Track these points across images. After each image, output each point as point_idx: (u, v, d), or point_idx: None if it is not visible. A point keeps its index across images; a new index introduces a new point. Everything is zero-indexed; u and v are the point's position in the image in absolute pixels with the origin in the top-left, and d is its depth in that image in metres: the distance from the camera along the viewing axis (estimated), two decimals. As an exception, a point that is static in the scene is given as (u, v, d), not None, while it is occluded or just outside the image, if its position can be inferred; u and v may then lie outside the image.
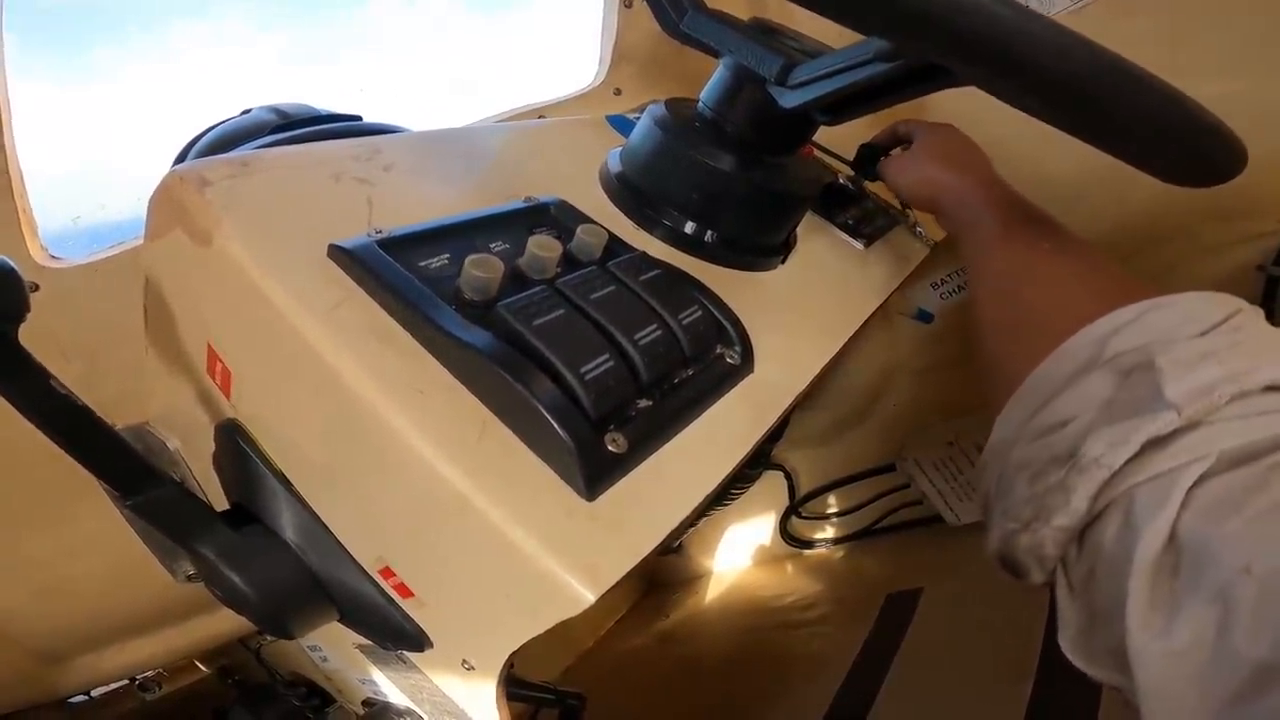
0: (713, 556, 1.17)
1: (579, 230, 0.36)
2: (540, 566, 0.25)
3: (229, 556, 0.34)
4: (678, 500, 0.29)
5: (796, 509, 1.04)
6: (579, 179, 0.46)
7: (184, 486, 0.34)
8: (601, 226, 0.37)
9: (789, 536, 1.06)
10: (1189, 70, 0.67)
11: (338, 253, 0.30)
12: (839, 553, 1.04)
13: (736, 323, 0.37)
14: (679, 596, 1.22)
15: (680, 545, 1.10)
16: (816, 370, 0.42)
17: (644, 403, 0.31)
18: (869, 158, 0.68)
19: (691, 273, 0.43)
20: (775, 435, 0.87)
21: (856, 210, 0.67)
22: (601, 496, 0.27)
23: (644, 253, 0.37)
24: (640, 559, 0.26)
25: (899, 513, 0.99)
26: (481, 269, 0.30)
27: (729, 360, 0.36)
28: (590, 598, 0.25)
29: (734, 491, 0.96)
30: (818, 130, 0.48)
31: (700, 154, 0.43)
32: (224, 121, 0.47)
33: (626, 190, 0.45)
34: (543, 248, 0.33)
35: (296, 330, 0.28)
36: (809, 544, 1.06)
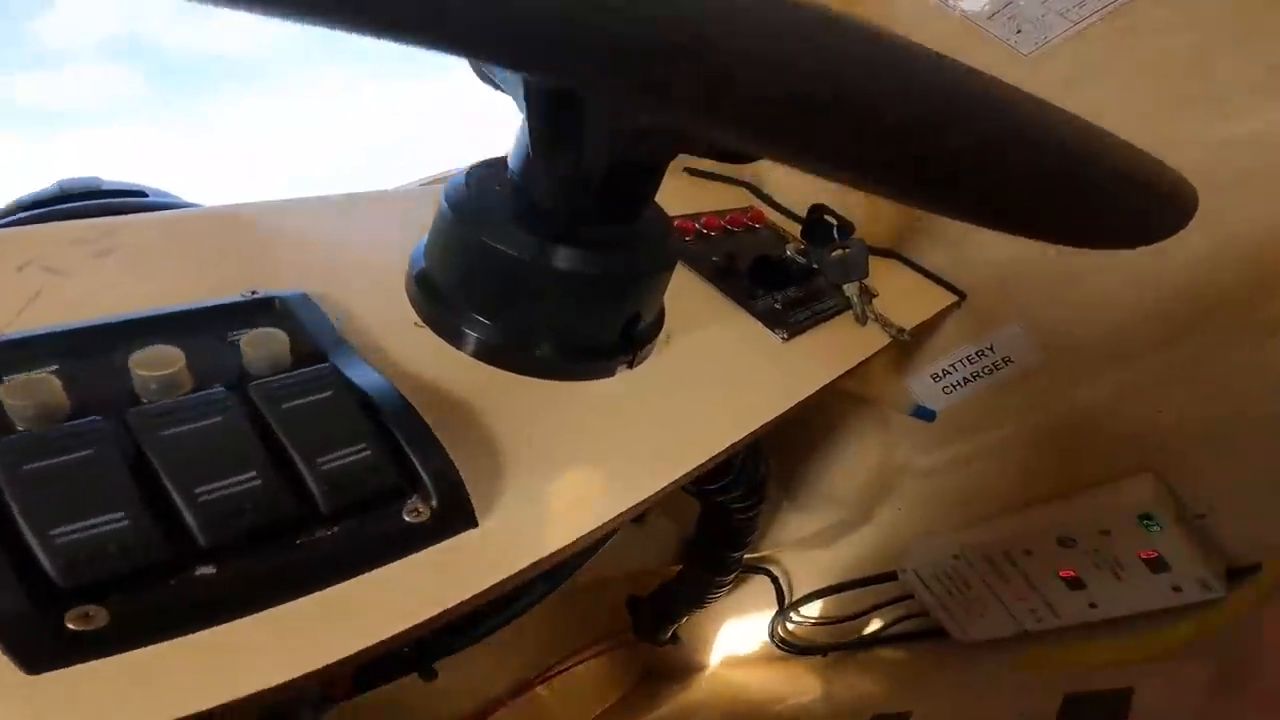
0: (708, 651, 1.06)
1: (242, 340, 0.28)
2: None
3: None
4: (186, 693, 0.21)
5: (786, 613, 0.91)
6: (380, 271, 0.39)
7: None
8: (283, 332, 0.29)
9: (779, 640, 0.93)
10: (1224, 99, 0.53)
11: None
12: (832, 660, 0.90)
13: (441, 469, 0.28)
14: (672, 688, 1.13)
15: (676, 635, 0.99)
16: (608, 518, 0.33)
17: (205, 570, 0.23)
18: (819, 223, 0.57)
19: (489, 388, 0.35)
20: (731, 540, 0.75)
21: (797, 290, 0.56)
22: (54, 674, 0.20)
23: (330, 367, 0.29)
24: None
25: (903, 623, 0.83)
26: (22, 396, 0.23)
27: (408, 518, 0.27)
28: None
29: (709, 596, 0.84)
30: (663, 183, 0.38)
31: (491, 236, 0.34)
32: (25, 196, 0.45)
33: (425, 292, 0.37)
34: (147, 364, 0.26)
35: None
36: (801, 649, 0.92)
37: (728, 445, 0.40)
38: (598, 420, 0.37)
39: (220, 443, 0.24)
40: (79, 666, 0.20)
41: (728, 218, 0.60)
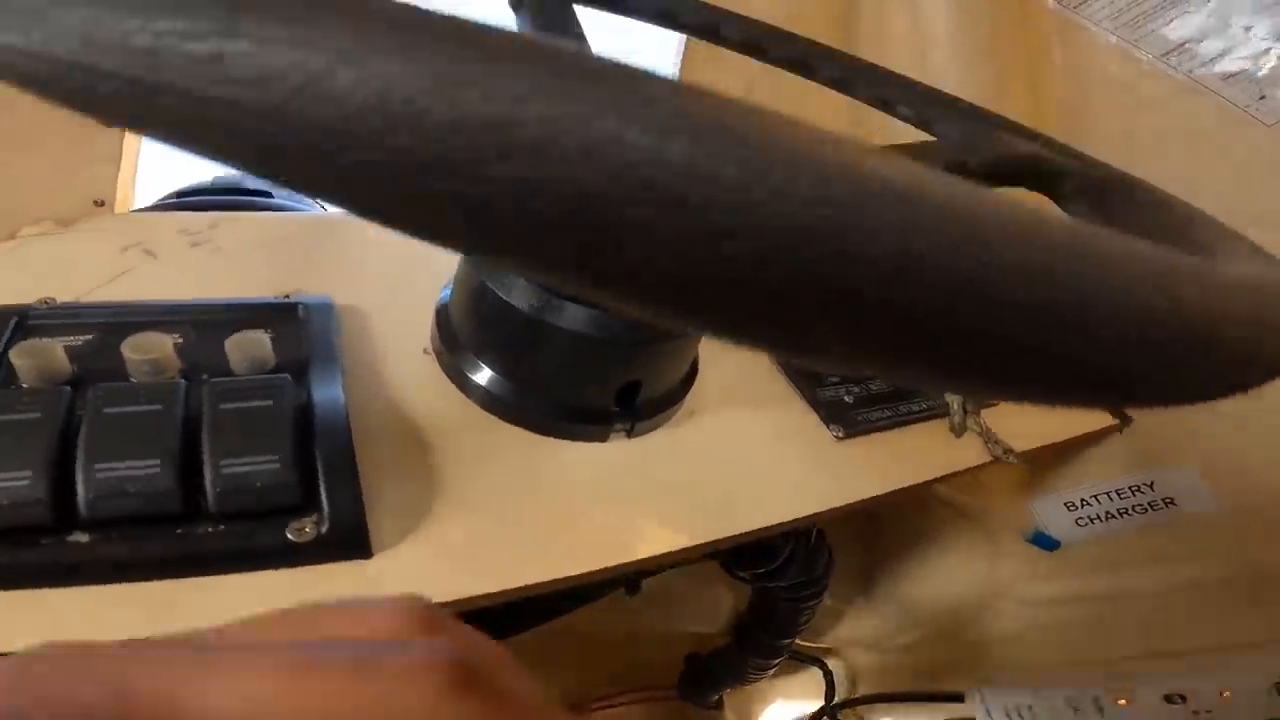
0: None
1: (227, 342, 0.31)
2: None
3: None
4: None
5: (833, 711, 0.80)
6: (422, 295, 0.40)
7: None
8: (268, 336, 0.31)
9: None
10: None
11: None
12: None
13: (344, 498, 0.28)
14: None
15: (721, 702, 0.93)
16: (515, 585, 0.30)
17: (77, 537, 0.25)
18: None
19: (470, 430, 0.34)
20: (777, 628, 0.67)
21: (884, 384, 0.49)
22: None
23: (284, 379, 0.30)
24: None
25: None
26: (29, 358, 0.27)
27: (290, 535, 0.27)
28: None
29: (750, 675, 0.77)
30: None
31: (493, 280, 0.34)
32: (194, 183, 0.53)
33: (440, 323, 0.37)
34: (137, 349, 0.29)
35: None
36: (844, 762, 0.81)
37: (703, 541, 0.35)
38: (569, 485, 0.34)
39: (144, 428, 0.26)
40: None
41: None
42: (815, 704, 0.86)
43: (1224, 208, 0.45)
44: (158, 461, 0.25)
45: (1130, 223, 0.28)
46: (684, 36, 0.61)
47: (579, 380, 0.35)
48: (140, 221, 0.40)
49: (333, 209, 0.44)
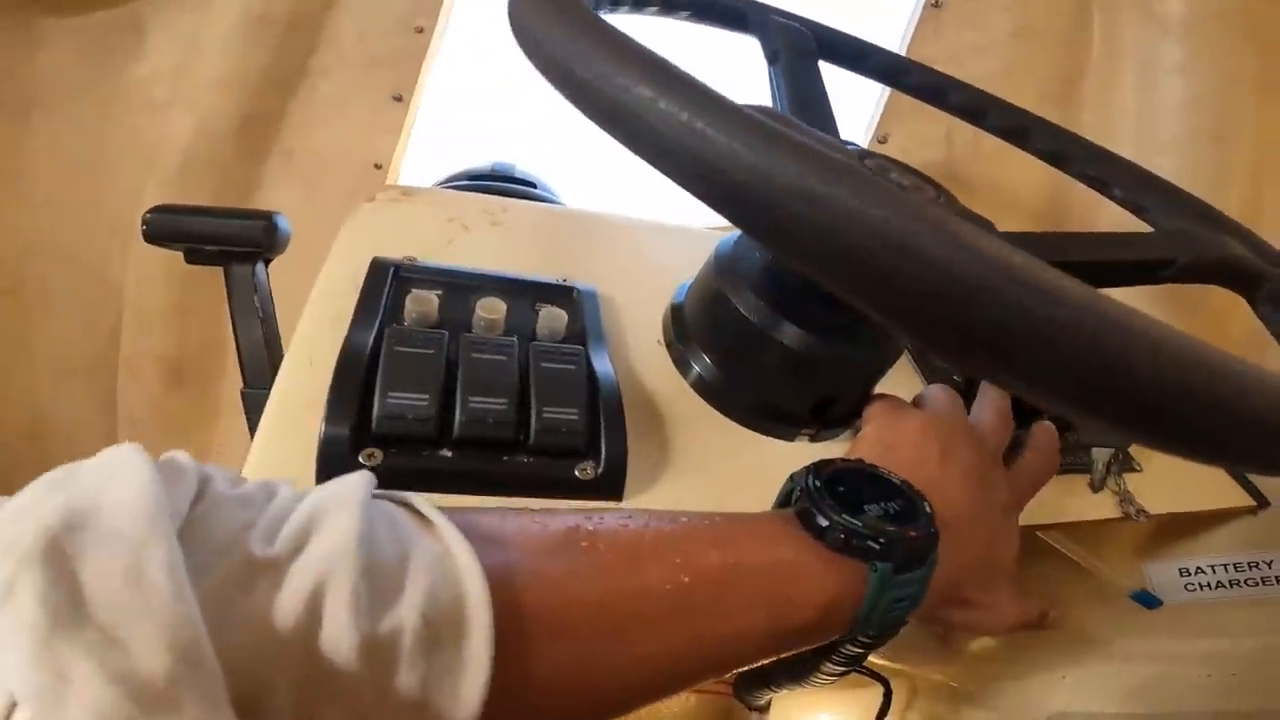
0: None
1: (541, 312, 0.40)
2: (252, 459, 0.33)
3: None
4: None
5: None
6: (659, 291, 0.47)
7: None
8: (565, 314, 0.40)
9: None
10: None
11: (373, 262, 0.41)
12: None
13: (616, 449, 0.36)
14: None
15: (768, 706, 0.99)
16: None
17: (445, 453, 0.33)
18: None
19: (688, 413, 0.41)
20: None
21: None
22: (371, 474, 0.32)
23: (581, 350, 0.38)
24: None
25: None
26: (415, 302, 0.37)
27: (578, 474, 0.35)
28: None
29: (811, 677, 0.82)
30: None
31: (730, 291, 0.40)
32: (474, 166, 0.63)
33: (674, 320, 0.45)
34: (487, 309, 0.38)
35: (310, 300, 0.40)
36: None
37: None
38: (758, 471, 0.42)
39: (498, 373, 0.35)
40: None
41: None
42: (857, 717, 0.89)
43: None
44: (505, 401, 0.35)
45: None
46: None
47: (783, 387, 0.42)
48: (456, 199, 0.50)
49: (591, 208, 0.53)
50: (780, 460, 0.42)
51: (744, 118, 0.19)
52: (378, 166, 0.66)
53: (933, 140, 0.65)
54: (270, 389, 0.36)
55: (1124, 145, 0.59)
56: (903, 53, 0.66)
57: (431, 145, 0.65)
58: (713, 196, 0.20)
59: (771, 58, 0.46)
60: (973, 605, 0.34)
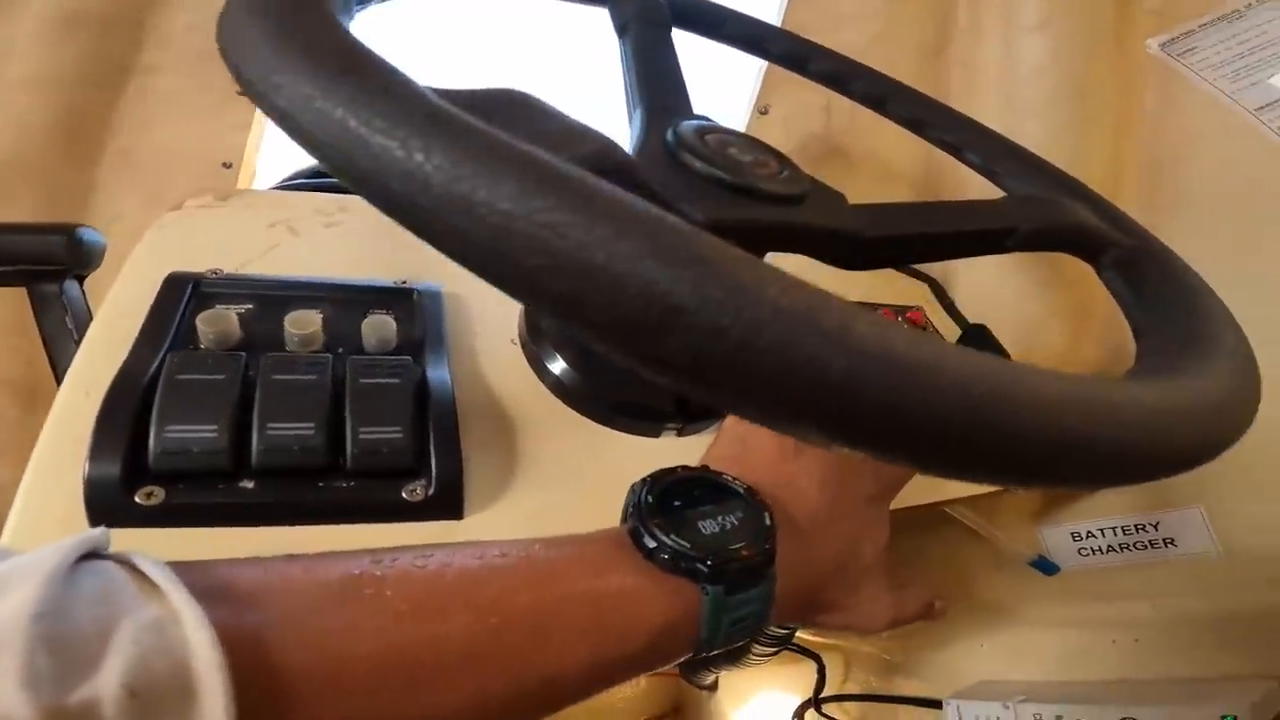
0: (739, 711, 1.04)
1: (363, 323, 0.37)
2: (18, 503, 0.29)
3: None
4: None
5: (818, 705, 0.86)
6: None
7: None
8: (394, 321, 0.37)
9: None
10: None
11: (167, 278, 0.37)
12: None
13: (449, 466, 0.34)
14: None
15: (716, 684, 0.99)
16: None
17: (245, 484, 0.31)
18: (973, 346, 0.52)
19: (545, 415, 0.39)
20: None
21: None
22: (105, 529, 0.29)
23: (408, 361, 0.36)
24: None
25: None
26: (207, 323, 0.33)
27: (405, 495, 0.33)
28: None
29: (745, 659, 0.83)
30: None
31: None
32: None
33: (531, 325, 0.42)
34: (296, 324, 0.35)
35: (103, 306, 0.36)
36: (822, 743, 0.87)
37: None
38: (623, 472, 0.40)
39: (304, 395, 0.32)
40: (143, 530, 0.29)
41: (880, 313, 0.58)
42: (799, 696, 0.91)
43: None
44: (313, 424, 0.32)
45: (1145, 302, 0.31)
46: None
47: (641, 382, 0.40)
48: (283, 200, 0.46)
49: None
50: (645, 459, 0.40)
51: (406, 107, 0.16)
52: (227, 165, 0.61)
53: (813, 110, 0.63)
54: None
55: (991, 108, 0.59)
56: (779, 20, 0.64)
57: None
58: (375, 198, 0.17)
59: (621, 30, 0.43)
60: (838, 608, 0.33)
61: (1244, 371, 0.23)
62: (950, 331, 0.61)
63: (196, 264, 0.39)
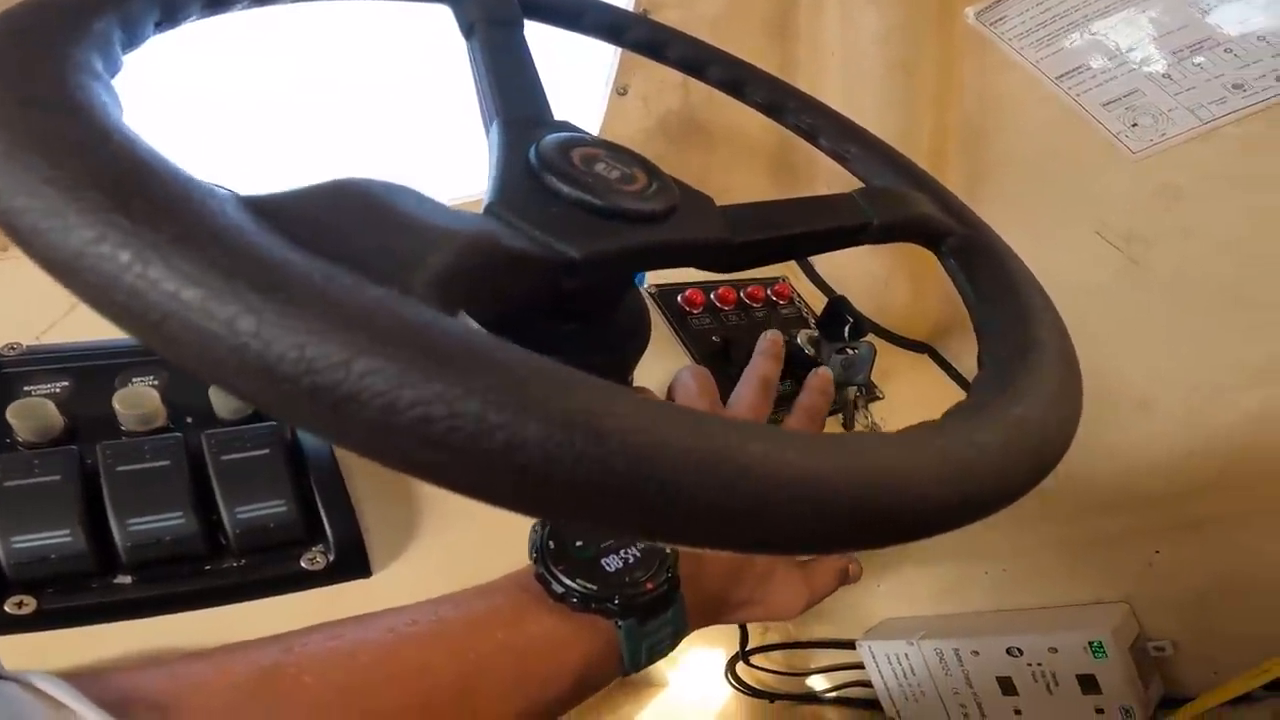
0: (670, 671, 1.11)
1: (210, 391, 0.34)
2: None
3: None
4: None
5: (747, 656, 0.94)
6: None
7: None
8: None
9: (734, 679, 0.97)
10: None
11: None
12: (779, 709, 0.95)
13: (345, 528, 0.33)
14: (625, 697, 1.18)
15: None
16: None
17: (122, 579, 0.29)
18: (834, 317, 0.56)
19: None
20: None
21: (794, 384, 0.56)
22: None
23: (273, 427, 0.34)
24: None
25: (848, 689, 0.87)
26: (19, 416, 0.30)
27: (305, 565, 0.32)
28: None
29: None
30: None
31: None
32: None
33: None
34: (127, 403, 0.32)
35: None
36: (753, 692, 0.96)
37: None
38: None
39: (160, 482, 0.30)
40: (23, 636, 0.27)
41: (748, 290, 0.61)
42: (727, 651, 0.96)
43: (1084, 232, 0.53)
44: (181, 513, 0.30)
45: (981, 291, 0.35)
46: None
47: None
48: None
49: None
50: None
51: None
52: None
53: (670, 86, 0.64)
54: None
55: (832, 80, 0.63)
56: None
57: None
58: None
59: (468, 31, 0.41)
60: (752, 603, 0.36)
61: (1070, 397, 0.26)
62: (815, 298, 0.66)
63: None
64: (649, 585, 0.28)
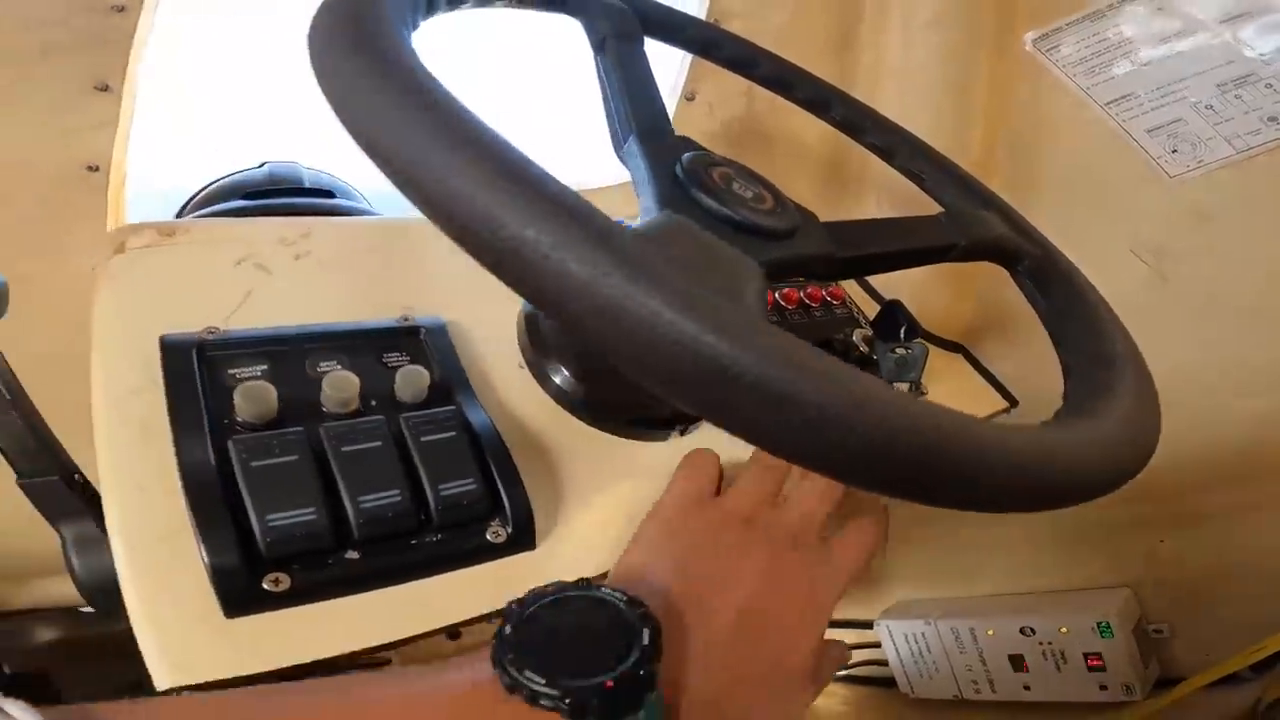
0: None
1: (399, 373, 0.38)
2: (149, 643, 0.30)
3: (78, 545, 0.41)
4: (319, 644, 0.32)
5: None
6: (504, 302, 0.46)
7: (72, 478, 0.41)
8: (426, 371, 0.39)
9: None
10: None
11: (164, 344, 0.35)
12: None
13: (520, 503, 0.37)
14: None
15: None
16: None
17: (351, 555, 0.33)
18: (890, 319, 0.62)
19: (566, 435, 0.43)
20: None
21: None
22: (244, 619, 0.30)
23: (455, 411, 0.38)
24: (243, 673, 0.30)
25: (861, 667, 0.93)
26: (246, 398, 0.33)
27: (490, 538, 0.36)
28: (166, 681, 0.29)
29: None
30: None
31: None
32: (237, 172, 0.54)
33: (532, 332, 0.45)
34: (335, 387, 0.35)
35: (94, 401, 0.34)
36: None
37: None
38: (642, 477, 0.44)
39: (378, 463, 0.34)
40: (272, 613, 0.31)
41: (808, 290, 0.66)
42: None
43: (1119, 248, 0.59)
44: (398, 491, 0.34)
45: (1054, 311, 0.42)
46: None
47: (639, 392, 0.45)
48: (237, 231, 0.43)
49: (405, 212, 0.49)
50: (664, 458, 0.46)
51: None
52: (93, 168, 0.55)
53: (735, 94, 0.69)
54: (54, 473, 0.34)
55: (889, 91, 0.69)
56: (702, 7, 0.68)
57: (167, 143, 0.53)
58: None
59: (599, 45, 0.45)
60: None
61: (1154, 401, 0.33)
62: (867, 303, 0.72)
63: (175, 319, 0.37)
64: (609, 684, 0.24)
